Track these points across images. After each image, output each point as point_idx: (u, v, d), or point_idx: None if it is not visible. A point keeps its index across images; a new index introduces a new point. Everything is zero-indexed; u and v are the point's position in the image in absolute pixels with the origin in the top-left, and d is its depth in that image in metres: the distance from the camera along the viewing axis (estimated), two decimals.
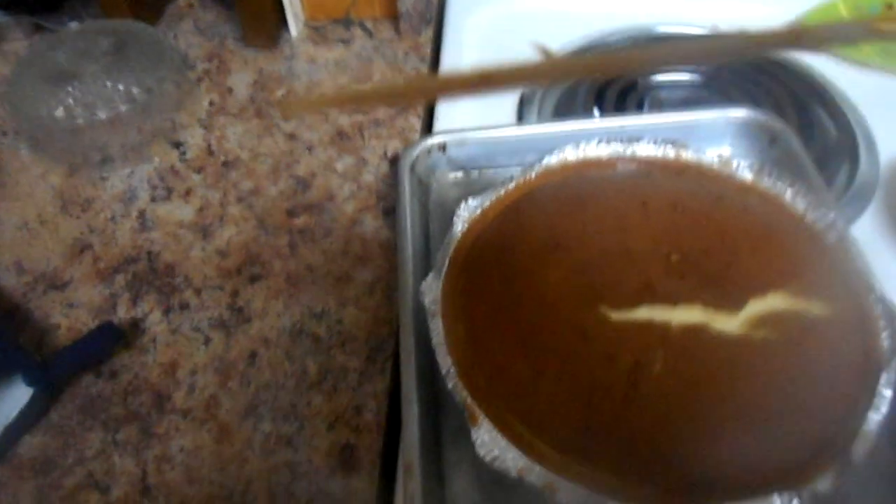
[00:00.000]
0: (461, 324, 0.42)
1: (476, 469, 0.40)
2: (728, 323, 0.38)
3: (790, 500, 0.34)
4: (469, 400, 0.38)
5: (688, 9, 0.71)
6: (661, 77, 0.65)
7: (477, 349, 0.41)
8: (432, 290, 0.43)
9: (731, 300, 0.39)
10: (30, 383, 0.42)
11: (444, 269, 0.44)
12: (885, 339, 0.39)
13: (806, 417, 0.36)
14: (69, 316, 0.48)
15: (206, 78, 0.65)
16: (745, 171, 0.49)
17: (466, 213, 0.48)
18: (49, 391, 0.43)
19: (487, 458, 0.37)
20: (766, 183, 0.48)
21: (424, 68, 0.65)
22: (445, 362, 0.40)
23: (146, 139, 0.59)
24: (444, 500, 0.39)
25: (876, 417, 0.36)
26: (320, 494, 0.40)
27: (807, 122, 0.60)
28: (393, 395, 0.44)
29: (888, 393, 0.37)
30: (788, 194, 0.47)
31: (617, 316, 0.39)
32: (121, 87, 0.55)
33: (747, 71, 0.64)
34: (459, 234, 0.46)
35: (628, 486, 0.36)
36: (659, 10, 0.71)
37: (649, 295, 0.39)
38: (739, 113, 0.54)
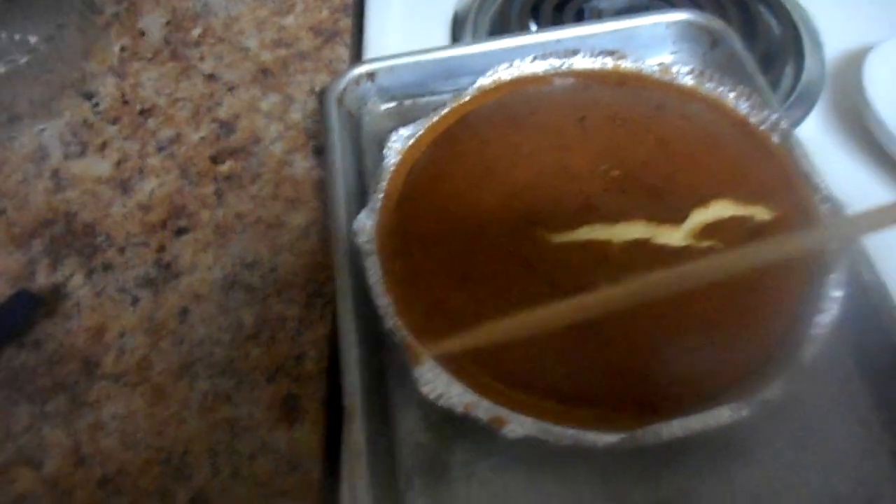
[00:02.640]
0: (398, 261, 0.40)
1: (423, 409, 0.39)
2: (672, 235, 0.37)
3: (739, 410, 0.33)
4: (409, 338, 0.37)
5: None
6: None
7: (416, 286, 0.39)
8: (366, 228, 0.41)
9: (674, 212, 0.38)
10: None
11: (378, 204, 0.42)
12: None
13: (753, 326, 0.35)
14: None
15: (115, 22, 0.60)
16: (686, 77, 0.46)
17: (398, 143, 0.45)
18: None
19: (431, 396, 0.35)
20: (708, 87, 0.46)
21: None
22: (382, 302, 0.38)
23: (54, 93, 0.54)
24: (391, 443, 0.38)
25: (824, 320, 0.35)
26: (264, 448, 0.38)
27: (749, 21, 0.57)
28: (334, 340, 0.42)
29: (837, 294, 0.36)
30: (731, 98, 0.45)
31: (557, 239, 0.37)
32: (17, 36, 0.50)
33: None
34: (392, 167, 0.44)
35: (576, 410, 0.34)
36: None
37: (589, 214, 0.38)
38: (679, 16, 0.52)
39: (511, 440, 0.34)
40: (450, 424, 0.38)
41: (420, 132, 0.45)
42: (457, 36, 0.59)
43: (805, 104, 0.53)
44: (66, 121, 0.54)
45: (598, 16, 0.59)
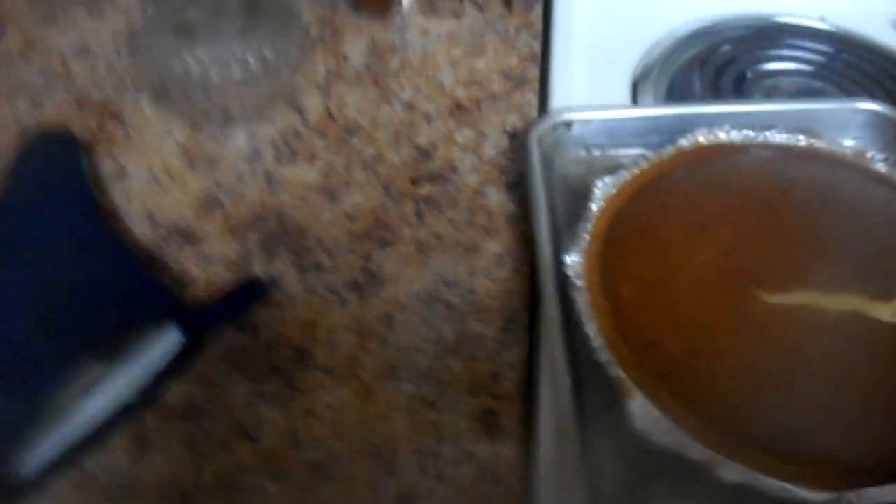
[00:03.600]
0: (606, 299, 0.43)
1: (621, 440, 0.41)
2: (883, 311, 0.39)
3: None
4: (622, 374, 0.39)
5: None
6: (773, 66, 0.65)
7: (624, 325, 0.41)
8: (575, 265, 0.44)
9: (883, 290, 0.40)
10: (184, 332, 0.43)
11: (585, 244, 0.45)
12: None
13: None
14: (206, 270, 0.49)
15: (320, 44, 0.65)
16: (879, 164, 0.49)
17: (602, 189, 0.48)
18: (200, 341, 0.44)
19: (641, 431, 0.37)
20: None
21: (536, 45, 0.65)
22: (595, 336, 0.41)
23: (265, 101, 0.59)
24: (590, 470, 0.40)
25: None
26: (467, 457, 0.41)
27: None
28: (530, 364, 0.45)
29: None
30: None
31: (773, 300, 0.39)
32: (254, 47, 0.55)
33: (863, 65, 0.64)
34: (597, 211, 0.47)
35: (783, 464, 0.36)
36: None
37: (803, 281, 0.40)
38: (868, 105, 0.54)
39: (710, 485, 0.36)
40: (646, 459, 0.40)
41: (622, 181, 0.49)
42: (636, 93, 0.62)
43: None
44: (277, 128, 0.58)
45: (775, 93, 0.62)
